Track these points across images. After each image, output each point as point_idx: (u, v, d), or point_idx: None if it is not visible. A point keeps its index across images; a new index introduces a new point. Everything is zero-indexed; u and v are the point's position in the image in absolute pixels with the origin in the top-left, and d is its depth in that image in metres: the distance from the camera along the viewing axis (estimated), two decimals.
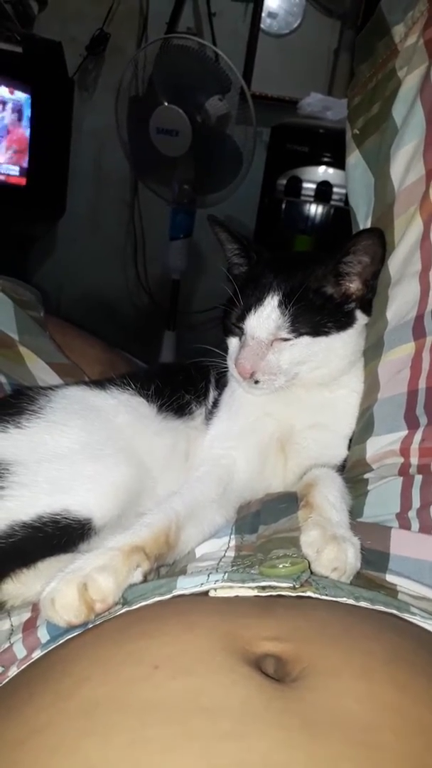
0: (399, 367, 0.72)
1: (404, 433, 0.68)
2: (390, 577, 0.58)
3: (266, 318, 0.74)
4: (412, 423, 0.68)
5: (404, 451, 0.67)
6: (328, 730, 0.38)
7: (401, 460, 0.67)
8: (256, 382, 0.74)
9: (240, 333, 0.77)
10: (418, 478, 0.65)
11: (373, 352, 0.78)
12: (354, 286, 0.77)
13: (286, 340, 0.74)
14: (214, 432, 0.82)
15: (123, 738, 0.37)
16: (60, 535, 0.61)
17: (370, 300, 0.80)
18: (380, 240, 0.76)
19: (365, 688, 0.41)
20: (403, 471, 0.67)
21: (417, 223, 0.75)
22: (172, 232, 2.10)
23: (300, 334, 0.74)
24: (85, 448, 0.68)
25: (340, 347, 0.77)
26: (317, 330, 0.75)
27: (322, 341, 0.75)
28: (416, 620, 0.51)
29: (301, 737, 0.37)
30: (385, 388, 0.73)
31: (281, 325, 0.74)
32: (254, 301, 0.75)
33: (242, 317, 0.76)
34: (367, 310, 0.80)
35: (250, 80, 2.32)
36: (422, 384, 0.69)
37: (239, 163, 1.97)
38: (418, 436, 0.67)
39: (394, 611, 0.51)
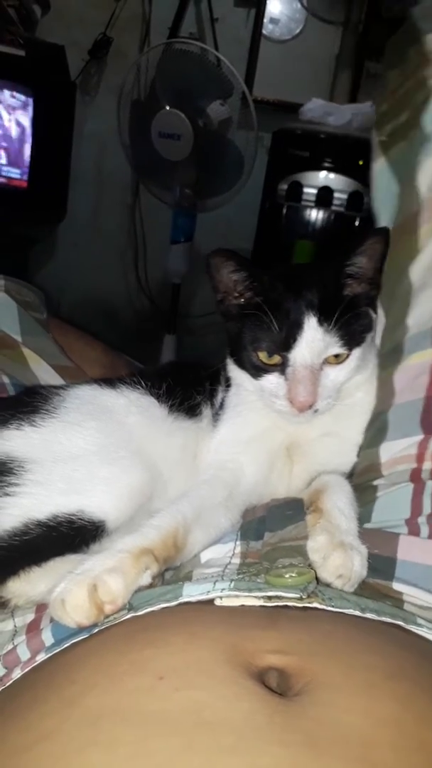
0: (417, 373, 0.71)
1: (420, 437, 0.68)
2: (396, 585, 0.58)
3: (314, 341, 0.69)
4: (428, 428, 0.68)
5: (420, 456, 0.67)
6: (329, 746, 0.38)
7: (414, 465, 0.67)
8: (315, 411, 0.71)
9: (276, 368, 0.71)
10: (430, 484, 0.64)
11: (391, 358, 0.77)
12: (362, 286, 0.75)
13: (337, 357, 0.71)
14: (221, 437, 0.80)
15: (126, 749, 0.37)
16: (74, 536, 0.61)
17: (375, 298, 0.79)
18: (386, 239, 0.75)
19: (367, 703, 0.41)
20: (415, 476, 0.66)
21: None
22: (173, 235, 2.11)
23: (351, 347, 0.72)
24: (100, 450, 0.68)
25: (366, 352, 0.75)
26: (361, 338, 0.73)
27: (362, 348, 0.74)
28: (422, 632, 0.51)
29: (303, 753, 0.37)
30: (402, 393, 0.73)
31: (330, 343, 0.70)
32: (291, 327, 0.69)
33: (284, 348, 0.70)
34: (374, 307, 0.79)
35: (251, 85, 2.33)
36: None
37: (240, 168, 1.97)
38: None
39: (401, 623, 0.51)
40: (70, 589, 0.52)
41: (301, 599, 0.51)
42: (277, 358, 0.71)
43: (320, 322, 0.69)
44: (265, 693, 0.42)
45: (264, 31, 2.36)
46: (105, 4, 2.34)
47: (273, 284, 0.73)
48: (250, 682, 0.42)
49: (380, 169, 0.90)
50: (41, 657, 0.53)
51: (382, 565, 0.60)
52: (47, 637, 0.55)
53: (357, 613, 0.51)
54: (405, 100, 0.88)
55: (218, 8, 2.34)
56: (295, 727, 0.39)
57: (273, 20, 2.36)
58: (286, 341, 0.70)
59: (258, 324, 0.71)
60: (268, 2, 2.33)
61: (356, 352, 0.72)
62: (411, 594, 0.57)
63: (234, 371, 0.79)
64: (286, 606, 0.51)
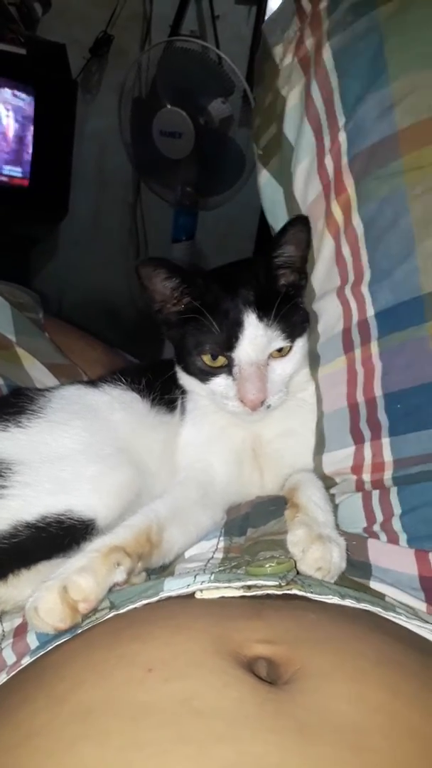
0: (335, 381, 0.72)
1: (352, 449, 0.69)
2: (374, 584, 0.59)
3: (256, 337, 0.70)
4: (357, 437, 0.68)
5: (356, 468, 0.68)
6: (320, 732, 0.38)
7: (355, 477, 0.68)
8: (268, 406, 0.71)
9: (223, 370, 0.72)
10: (375, 493, 0.65)
11: (312, 362, 0.78)
12: (294, 276, 0.77)
13: (280, 350, 0.72)
14: (184, 439, 0.81)
15: (118, 742, 0.38)
16: (63, 536, 0.61)
17: (304, 287, 0.79)
18: (306, 226, 0.76)
19: (356, 690, 0.42)
20: (359, 487, 0.67)
21: (328, 239, 0.75)
22: (174, 234, 2.11)
23: (294, 338, 0.73)
24: (87, 449, 0.68)
25: (306, 342, 0.77)
26: (302, 328, 0.74)
27: (304, 338, 0.75)
28: (401, 620, 0.52)
29: (294, 740, 0.37)
30: (327, 401, 0.74)
31: (273, 337, 0.71)
32: (231, 327, 0.70)
33: (227, 348, 0.71)
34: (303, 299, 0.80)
35: (253, 83, 2.32)
36: (360, 397, 0.69)
37: (242, 166, 1.97)
38: (367, 452, 0.67)
39: (380, 610, 0.52)
40: (42, 595, 0.52)
41: (280, 587, 0.51)
42: (222, 360, 0.72)
43: (260, 317, 0.70)
44: (254, 681, 0.42)
45: None
46: (106, 2, 2.34)
47: (208, 286, 0.73)
48: (239, 671, 0.43)
49: (265, 182, 0.93)
50: (26, 660, 0.53)
51: (359, 564, 0.61)
52: (32, 640, 0.56)
53: (336, 599, 0.51)
54: (270, 113, 0.89)
55: (219, 6, 2.33)
56: (285, 714, 0.39)
57: None
58: (229, 341, 0.70)
59: (199, 328, 0.72)
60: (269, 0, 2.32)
61: (299, 342, 0.74)
62: (388, 593, 0.57)
63: (183, 378, 0.79)
64: (268, 596, 0.51)
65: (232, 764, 0.36)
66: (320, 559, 0.55)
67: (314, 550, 0.55)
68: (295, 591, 0.51)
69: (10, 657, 0.56)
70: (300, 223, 0.75)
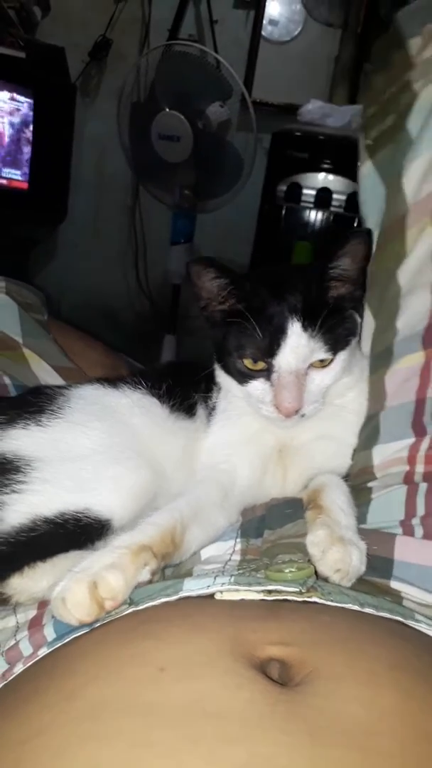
0: (407, 376, 0.72)
1: (411, 440, 0.68)
2: (394, 584, 0.58)
3: (299, 346, 0.69)
4: (419, 431, 0.68)
5: (411, 458, 0.67)
6: (332, 735, 0.38)
7: (407, 467, 0.67)
8: (302, 415, 0.71)
9: (262, 374, 0.71)
10: (423, 486, 0.65)
11: (381, 360, 0.77)
12: (346, 288, 0.75)
13: (322, 361, 0.71)
14: (213, 439, 0.80)
15: (127, 741, 0.37)
16: (80, 533, 0.62)
17: (360, 299, 0.79)
18: (368, 240, 0.75)
19: (369, 693, 0.41)
20: (408, 479, 0.67)
21: (428, 234, 0.75)
22: (173, 236, 2.12)
23: (336, 351, 0.72)
24: (107, 450, 0.68)
25: (352, 354, 0.76)
26: (346, 341, 0.73)
27: (347, 351, 0.74)
28: (421, 627, 0.51)
29: (305, 742, 0.37)
30: (393, 396, 0.73)
31: (315, 348, 0.70)
32: (274, 333, 0.69)
33: (268, 354, 0.70)
34: (360, 311, 0.79)
35: (251, 87, 2.33)
36: (431, 393, 0.68)
37: (240, 169, 1.98)
38: (425, 443, 0.66)
39: (399, 618, 0.51)
40: (71, 587, 0.52)
41: (300, 593, 0.51)
42: (262, 364, 0.71)
43: (304, 327, 0.69)
44: (266, 683, 0.42)
45: (263, 33, 2.36)
46: (105, 6, 2.35)
47: (255, 290, 0.72)
48: (251, 672, 0.42)
49: (367, 172, 0.91)
50: (43, 651, 0.53)
51: (379, 564, 0.60)
52: (49, 632, 0.56)
53: (356, 607, 0.51)
54: (391, 104, 0.88)
55: (218, 10, 2.35)
56: (297, 716, 0.39)
57: (272, 22, 2.37)
58: (270, 347, 0.69)
59: (242, 330, 0.71)
60: (267, 4, 2.33)
61: (341, 356, 0.72)
62: (408, 592, 0.57)
63: (221, 377, 0.79)
64: (285, 600, 0.51)
65: (242, 765, 0.36)
66: (339, 561, 0.55)
67: (334, 551, 0.55)
68: (315, 599, 0.51)
69: (27, 648, 0.56)
70: (361, 236, 0.74)
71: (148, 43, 2.38)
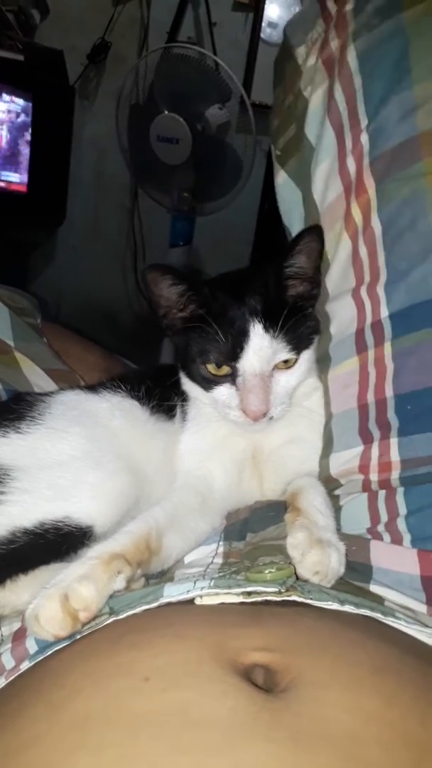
0: (347, 382, 0.72)
1: (360, 449, 0.68)
2: (374, 588, 0.58)
3: (261, 348, 0.69)
4: (366, 438, 0.68)
5: (363, 468, 0.67)
6: (316, 742, 0.38)
7: (362, 477, 0.67)
8: (270, 418, 0.70)
9: (226, 379, 0.71)
10: (382, 493, 0.65)
11: (322, 365, 0.77)
12: (304, 286, 0.75)
13: (286, 362, 0.71)
14: (185, 446, 0.80)
15: (115, 752, 0.37)
16: (61, 542, 0.61)
17: (317, 297, 0.79)
18: (320, 236, 0.75)
19: (353, 699, 0.41)
20: (366, 487, 0.67)
21: (345, 240, 0.75)
22: (171, 239, 2.11)
23: (300, 351, 0.72)
24: (86, 456, 0.68)
25: (314, 353, 0.76)
26: (309, 340, 0.73)
27: (311, 351, 0.74)
28: (401, 625, 0.51)
29: (289, 750, 0.37)
30: (337, 403, 0.73)
31: (278, 349, 0.70)
32: (237, 336, 0.69)
33: (232, 358, 0.69)
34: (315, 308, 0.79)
35: (250, 89, 2.33)
36: (371, 398, 0.68)
37: (239, 171, 1.98)
38: (374, 451, 0.66)
39: (379, 615, 0.51)
40: (42, 603, 0.52)
41: (279, 593, 0.51)
42: (226, 369, 0.70)
43: (266, 328, 0.69)
44: (251, 690, 0.42)
45: (262, 35, 2.36)
46: (103, 8, 2.35)
47: (215, 294, 0.72)
48: (235, 679, 0.42)
49: (282, 182, 0.92)
50: (25, 665, 0.53)
51: (360, 568, 0.60)
52: (31, 645, 0.55)
53: (336, 605, 0.51)
54: (290, 114, 0.89)
55: (216, 12, 2.34)
56: (281, 723, 0.39)
57: (271, 24, 2.36)
58: (234, 351, 0.69)
59: (204, 336, 0.71)
60: (266, 6, 2.33)
61: (305, 355, 0.73)
62: (388, 597, 0.57)
63: (187, 384, 0.79)
64: (267, 602, 0.51)
65: None
66: (318, 563, 0.55)
67: (313, 554, 0.55)
68: (294, 597, 0.51)
69: (9, 662, 0.55)
70: (313, 233, 0.74)
71: (147, 46, 2.38)
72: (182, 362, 0.77)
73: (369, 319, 0.70)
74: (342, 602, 0.51)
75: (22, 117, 2.10)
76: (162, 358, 2.23)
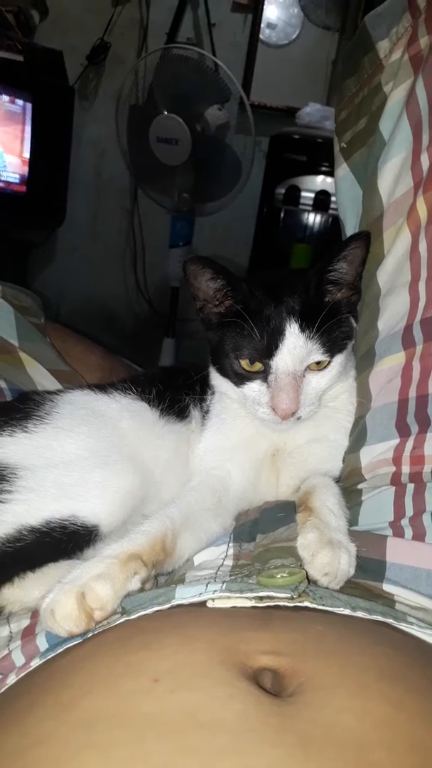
0: (390, 377, 0.72)
1: (396, 441, 0.68)
2: (387, 587, 0.58)
3: (296, 347, 0.69)
4: (403, 431, 0.68)
5: (396, 459, 0.67)
6: (323, 747, 0.38)
7: (393, 469, 0.67)
8: (298, 418, 0.71)
9: (258, 376, 0.71)
10: (410, 487, 0.65)
11: (365, 362, 0.77)
12: (343, 292, 0.75)
13: (318, 364, 0.71)
14: (206, 444, 0.80)
15: (122, 752, 0.37)
16: (67, 541, 0.61)
17: (356, 303, 0.79)
18: (367, 243, 0.76)
19: (360, 704, 0.41)
20: (395, 480, 0.67)
21: (405, 234, 0.75)
22: (171, 239, 2.12)
23: (333, 354, 0.72)
24: (93, 455, 0.68)
25: (347, 357, 0.76)
26: (342, 344, 0.73)
27: (344, 355, 0.74)
28: (413, 630, 0.51)
29: (297, 755, 0.37)
30: (377, 397, 0.73)
31: (312, 350, 0.70)
32: (272, 334, 0.69)
33: (266, 355, 0.69)
34: (355, 315, 0.79)
35: (249, 90, 2.34)
36: (412, 393, 0.68)
37: (238, 172, 1.98)
38: (409, 444, 0.66)
39: (391, 621, 0.51)
40: (59, 599, 0.52)
41: (292, 599, 0.51)
42: (259, 366, 0.71)
43: (302, 328, 0.69)
44: (259, 694, 0.42)
45: (261, 36, 2.37)
46: (103, 9, 2.36)
47: (252, 291, 0.72)
48: (244, 683, 0.42)
49: (343, 175, 0.91)
50: (36, 662, 0.53)
51: (372, 566, 0.60)
52: (41, 642, 0.55)
53: (348, 611, 0.51)
54: (362, 107, 0.89)
55: (215, 14, 2.35)
56: (288, 728, 0.39)
57: (270, 25, 2.37)
58: (268, 348, 0.69)
59: (239, 332, 0.71)
60: (265, 7, 2.34)
61: (338, 359, 0.72)
62: (401, 595, 0.57)
63: (216, 379, 0.79)
64: (278, 606, 0.51)
65: None
66: (328, 565, 0.55)
67: (323, 555, 0.55)
68: (306, 603, 0.51)
69: (19, 659, 0.55)
70: (360, 239, 0.74)
71: (146, 47, 2.38)
72: (214, 357, 0.77)
73: (420, 315, 0.70)
74: (354, 608, 0.51)
75: (22, 117, 2.11)
76: (162, 358, 2.24)
